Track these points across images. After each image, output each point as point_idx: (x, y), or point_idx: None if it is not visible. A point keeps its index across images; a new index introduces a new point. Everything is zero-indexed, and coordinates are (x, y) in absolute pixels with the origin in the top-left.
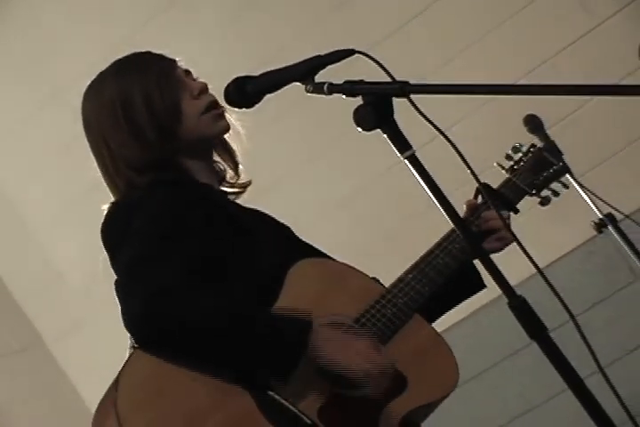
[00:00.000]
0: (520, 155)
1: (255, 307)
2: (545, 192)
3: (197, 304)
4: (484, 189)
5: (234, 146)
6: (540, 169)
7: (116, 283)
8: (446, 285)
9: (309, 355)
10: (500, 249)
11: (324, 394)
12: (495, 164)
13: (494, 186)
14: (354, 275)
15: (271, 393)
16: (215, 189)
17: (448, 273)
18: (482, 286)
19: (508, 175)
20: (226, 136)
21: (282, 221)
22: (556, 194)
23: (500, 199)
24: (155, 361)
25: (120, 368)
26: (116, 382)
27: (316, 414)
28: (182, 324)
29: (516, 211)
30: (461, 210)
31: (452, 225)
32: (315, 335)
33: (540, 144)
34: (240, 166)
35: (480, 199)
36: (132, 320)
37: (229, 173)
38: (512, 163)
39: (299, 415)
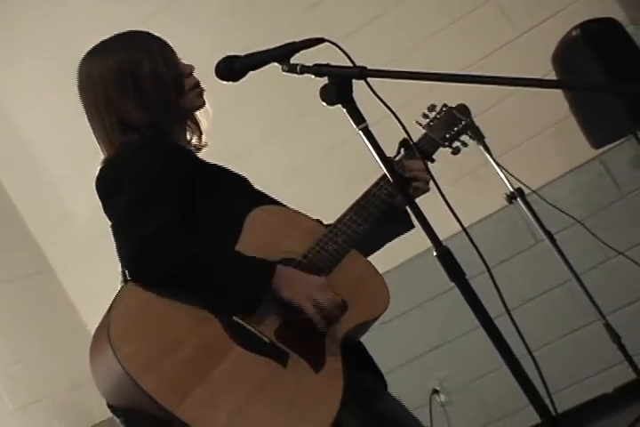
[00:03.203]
0: (434, 113)
1: (227, 248)
2: (456, 144)
3: (180, 246)
4: (405, 142)
5: (201, 118)
6: (451, 124)
7: (113, 226)
8: (380, 224)
9: (272, 289)
10: (417, 196)
11: (280, 317)
12: (414, 121)
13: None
14: (302, 218)
15: (235, 318)
16: (188, 149)
17: (379, 214)
18: (410, 226)
19: (424, 131)
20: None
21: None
22: (464, 145)
23: (419, 151)
24: (143, 293)
25: (113, 299)
26: (109, 312)
27: (274, 334)
28: (167, 262)
29: (432, 160)
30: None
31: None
32: (277, 275)
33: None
34: (204, 134)
35: (402, 152)
36: (128, 259)
37: (194, 140)
38: (428, 120)
39: (259, 336)
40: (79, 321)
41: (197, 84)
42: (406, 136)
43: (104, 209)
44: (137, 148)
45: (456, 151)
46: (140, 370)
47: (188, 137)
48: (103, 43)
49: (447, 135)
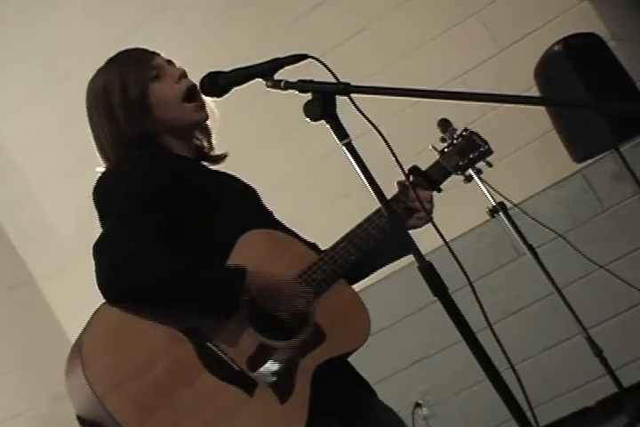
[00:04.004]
0: (453, 138)
1: (199, 262)
2: (469, 171)
3: (150, 271)
4: (413, 170)
5: (210, 125)
6: (467, 151)
7: (93, 248)
8: (375, 250)
9: (245, 289)
10: (420, 226)
11: (254, 345)
12: (430, 146)
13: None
14: (294, 244)
15: (209, 344)
16: (189, 159)
17: (374, 244)
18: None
19: (437, 158)
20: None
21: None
22: (479, 172)
23: (427, 179)
24: (118, 314)
25: (90, 317)
26: (85, 329)
27: (245, 362)
28: (135, 288)
29: (439, 190)
30: (388, 191)
31: (377, 204)
32: (250, 274)
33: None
34: (214, 142)
35: (411, 179)
36: (100, 285)
37: (206, 147)
38: (445, 145)
39: (230, 364)
40: (61, 334)
41: (193, 93)
42: (391, 150)
43: (99, 221)
44: (129, 162)
45: (469, 179)
46: (106, 389)
47: (200, 146)
48: (98, 69)
49: (460, 163)
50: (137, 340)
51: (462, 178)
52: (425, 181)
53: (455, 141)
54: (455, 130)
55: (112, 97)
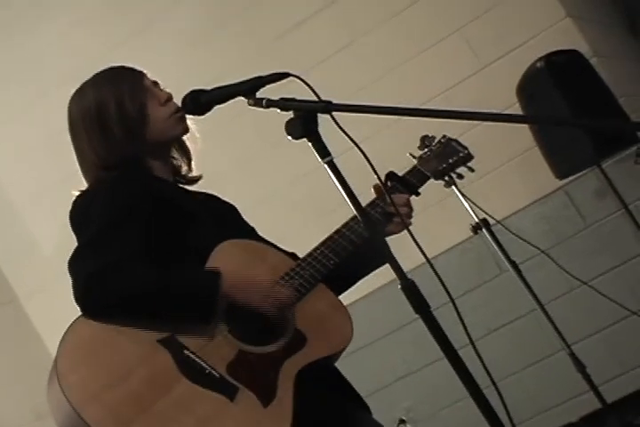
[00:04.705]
0: (431, 145)
1: (173, 273)
2: (449, 177)
3: (126, 284)
4: (390, 175)
5: (189, 145)
6: (446, 157)
7: (68, 262)
8: (352, 261)
9: (221, 288)
10: (398, 232)
11: (233, 351)
12: (408, 154)
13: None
14: (271, 252)
15: (186, 352)
16: (168, 181)
17: (352, 249)
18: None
19: (415, 163)
20: (184, 137)
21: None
22: (460, 177)
23: (404, 184)
24: (93, 326)
25: (65, 331)
26: (59, 345)
27: (225, 368)
28: (112, 302)
29: (417, 194)
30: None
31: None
32: (224, 275)
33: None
34: (193, 163)
35: (389, 184)
36: (76, 298)
37: (184, 168)
38: (422, 152)
39: (209, 371)
40: (45, 352)
41: (177, 111)
42: (372, 168)
43: (76, 239)
44: (107, 185)
45: (448, 185)
46: (83, 400)
47: (178, 166)
48: (82, 84)
49: (440, 168)
50: (113, 351)
51: (442, 183)
52: (402, 185)
53: (433, 148)
54: (434, 138)
55: (108, 113)
